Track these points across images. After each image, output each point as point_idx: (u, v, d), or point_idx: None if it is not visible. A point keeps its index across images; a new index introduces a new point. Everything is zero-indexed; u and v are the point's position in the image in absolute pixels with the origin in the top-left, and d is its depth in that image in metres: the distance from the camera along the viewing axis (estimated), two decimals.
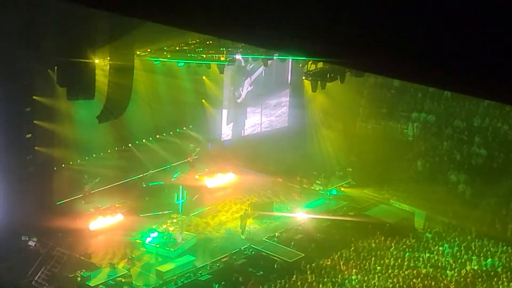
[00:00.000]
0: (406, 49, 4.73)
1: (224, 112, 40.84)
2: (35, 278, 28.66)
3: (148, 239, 31.58)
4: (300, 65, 37.61)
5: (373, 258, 30.79)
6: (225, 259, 30.44)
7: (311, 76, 33.46)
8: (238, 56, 33.62)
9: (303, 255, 30.92)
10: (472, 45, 4.51)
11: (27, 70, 30.04)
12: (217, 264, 30.15)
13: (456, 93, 34.77)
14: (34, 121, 31.02)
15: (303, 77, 35.75)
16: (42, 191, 31.56)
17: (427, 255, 31.40)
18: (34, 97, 30.72)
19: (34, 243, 30.26)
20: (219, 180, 37.72)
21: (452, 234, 33.50)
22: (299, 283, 28.61)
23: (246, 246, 31.68)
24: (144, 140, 37.15)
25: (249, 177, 37.94)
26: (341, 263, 30.28)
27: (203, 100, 40.07)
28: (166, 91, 36.98)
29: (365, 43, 4.89)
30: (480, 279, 29.28)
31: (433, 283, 28.87)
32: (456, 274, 29.68)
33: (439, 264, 30.71)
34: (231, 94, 40.78)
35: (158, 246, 31.26)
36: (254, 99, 42.01)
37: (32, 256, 29.79)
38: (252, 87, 41.48)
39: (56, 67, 25.47)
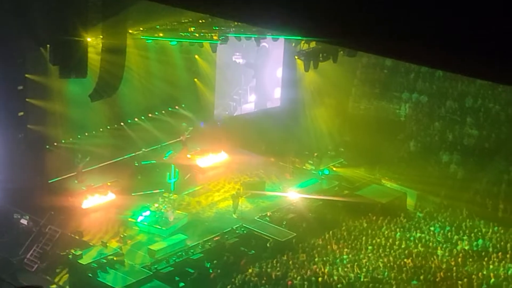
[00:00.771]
0: (400, 28, 4.73)
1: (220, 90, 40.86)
2: (27, 256, 28.73)
3: (140, 218, 31.62)
4: (293, 45, 37.52)
5: (364, 238, 30.92)
6: (217, 238, 30.50)
7: (304, 56, 33.39)
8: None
9: (295, 234, 31.02)
10: (464, 23, 4.52)
11: (20, 48, 29.92)
12: (209, 243, 30.21)
13: (448, 73, 34.84)
14: (27, 99, 30.96)
15: (296, 57, 35.68)
16: (34, 169, 31.54)
17: (418, 235, 31.54)
18: (26, 75, 30.63)
19: (26, 221, 30.29)
20: (211, 159, 37.74)
21: (443, 214, 33.63)
22: (290, 262, 28.73)
23: (238, 225, 31.74)
24: (136, 119, 37.08)
25: (242, 157, 37.96)
26: (333, 243, 30.41)
27: (195, 79, 39.98)
28: (159, 70, 36.87)
29: (358, 21, 4.88)
30: (470, 259, 29.43)
31: (424, 262, 29.03)
32: (447, 254, 29.84)
33: (430, 244, 30.84)
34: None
35: (150, 224, 31.31)
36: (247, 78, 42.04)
37: (24, 234, 29.84)
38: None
39: (48, 45, 25.34)
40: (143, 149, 36.56)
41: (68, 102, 32.32)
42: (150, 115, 37.74)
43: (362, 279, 27.64)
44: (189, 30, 32.77)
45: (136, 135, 36.68)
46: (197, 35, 32.96)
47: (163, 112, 38.46)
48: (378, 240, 30.78)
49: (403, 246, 30.30)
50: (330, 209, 33.63)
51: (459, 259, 29.33)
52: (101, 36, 24.79)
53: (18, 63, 30.23)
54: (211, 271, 28.56)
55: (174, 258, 28.92)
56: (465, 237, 31.32)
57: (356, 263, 28.76)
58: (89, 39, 24.78)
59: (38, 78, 30.65)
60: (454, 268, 28.71)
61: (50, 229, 29.55)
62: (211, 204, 34.33)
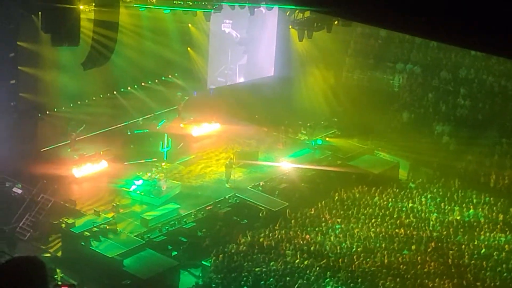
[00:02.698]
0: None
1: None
2: (20, 225, 28.72)
3: (133, 187, 31.63)
4: (287, 14, 37.34)
5: (356, 208, 31.04)
6: (209, 208, 30.56)
7: (298, 25, 33.24)
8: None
9: (287, 204, 31.09)
10: None
11: (11, 15, 29.67)
12: (202, 213, 30.28)
13: (443, 44, 34.77)
14: (18, 67, 30.77)
15: (290, 26, 35.52)
16: (27, 137, 31.45)
17: (410, 205, 31.68)
18: (18, 42, 30.41)
19: (19, 190, 30.25)
20: (204, 128, 37.70)
21: (435, 185, 33.74)
22: (283, 231, 28.83)
23: (230, 194, 31.79)
24: (129, 88, 36.94)
25: (234, 126, 37.93)
26: (325, 212, 30.51)
27: (188, 48, 39.80)
28: (152, 39, 36.66)
29: None
30: (462, 229, 29.61)
31: (415, 232, 29.17)
32: (438, 224, 29.98)
33: (422, 214, 30.97)
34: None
35: (143, 193, 31.32)
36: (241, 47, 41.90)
37: (16, 202, 29.80)
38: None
39: (40, 13, 25.13)
40: (139, 119, 36.45)
41: (60, 70, 32.15)
42: (143, 84, 37.61)
43: (354, 249, 27.78)
44: None
45: (129, 104, 36.57)
46: (190, 3, 32.75)
47: (156, 81, 38.33)
48: (370, 210, 30.91)
49: (395, 216, 30.43)
50: (323, 179, 33.71)
51: (451, 230, 29.49)
52: (94, 4, 24.58)
53: (9, 30, 29.99)
54: (203, 240, 28.66)
55: (166, 227, 29.00)
56: (456, 208, 31.46)
57: (348, 233, 28.90)
58: (81, 7, 24.59)
59: (30, 45, 30.45)
60: (446, 238, 28.88)
61: (42, 197, 29.53)
62: (204, 174, 34.36)
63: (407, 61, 39.97)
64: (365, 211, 30.79)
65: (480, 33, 4.66)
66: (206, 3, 33.03)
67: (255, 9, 34.94)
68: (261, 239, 28.22)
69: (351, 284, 25.63)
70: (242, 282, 25.79)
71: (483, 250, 28.11)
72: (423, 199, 32.28)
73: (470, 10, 4.52)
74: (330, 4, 5.24)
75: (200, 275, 27.67)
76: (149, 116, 37.35)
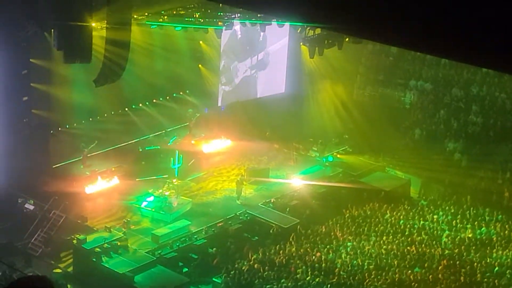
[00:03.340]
0: (405, 17, 4.70)
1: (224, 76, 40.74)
2: (32, 241, 28.79)
3: (144, 203, 31.67)
4: (298, 31, 37.42)
5: (368, 225, 30.93)
6: (220, 224, 30.54)
7: (309, 42, 33.34)
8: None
9: (298, 221, 31.03)
10: (470, 12, 4.48)
11: (24, 33, 29.86)
12: (212, 229, 30.25)
13: (454, 61, 34.72)
14: (31, 84, 30.92)
15: (301, 43, 35.58)
16: (39, 154, 31.54)
17: (422, 222, 31.53)
18: (31, 59, 30.59)
19: (31, 206, 30.35)
20: (216, 145, 37.74)
21: (447, 202, 33.59)
22: (294, 249, 28.76)
23: (241, 211, 31.77)
24: (140, 105, 37.05)
25: (246, 143, 37.94)
26: (336, 230, 30.43)
27: (200, 65, 39.91)
28: (163, 56, 36.81)
29: (362, 9, 4.85)
30: (474, 247, 29.44)
31: (427, 250, 29.03)
32: (450, 242, 29.83)
33: (434, 231, 30.84)
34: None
35: (154, 210, 31.36)
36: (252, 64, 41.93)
37: (28, 218, 29.90)
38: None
39: (53, 30, 25.31)
40: (151, 135, 36.55)
41: (72, 87, 32.31)
42: (154, 100, 37.71)
43: (365, 266, 27.67)
44: (194, 15, 32.70)
45: (141, 121, 36.67)
46: (202, 20, 32.91)
47: (168, 97, 38.43)
48: (382, 227, 30.79)
49: (406, 234, 30.31)
50: (334, 196, 33.64)
51: (463, 247, 29.34)
52: (106, 21, 24.71)
53: (22, 48, 30.17)
54: (214, 257, 28.64)
55: (177, 244, 29.00)
56: (469, 225, 31.30)
57: (359, 250, 28.79)
58: (93, 24, 24.75)
59: (42, 62, 30.61)
60: (458, 256, 28.72)
61: (54, 213, 29.61)
62: (215, 190, 34.37)
63: (419, 78, 39.90)
64: (377, 228, 30.69)
65: (491, 51, 4.67)
66: (217, 20, 33.19)
67: (266, 26, 35.09)
68: (272, 256, 28.16)
69: None
70: None
71: (496, 268, 27.94)
72: (434, 217, 32.13)
73: (481, 28, 4.53)
74: (341, 22, 5.26)
75: None
76: (160, 132, 37.45)
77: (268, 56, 42.33)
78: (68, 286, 27.12)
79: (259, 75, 42.65)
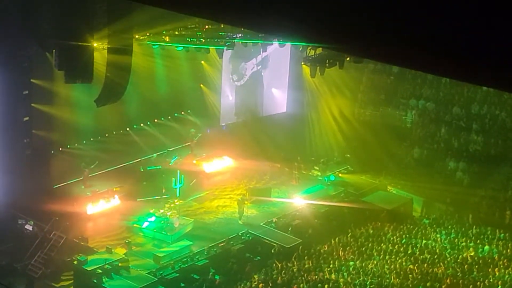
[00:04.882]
0: (406, 36, 4.68)
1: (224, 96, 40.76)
2: (32, 262, 28.66)
3: (146, 224, 31.59)
4: (300, 50, 37.50)
5: (370, 244, 30.82)
6: (222, 244, 30.43)
7: (310, 62, 33.36)
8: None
9: (301, 240, 30.93)
10: (471, 32, 4.46)
11: (25, 53, 29.93)
12: (214, 249, 30.15)
13: (454, 80, 34.75)
14: (32, 104, 30.96)
15: (302, 63, 35.66)
16: (39, 174, 31.52)
17: (424, 241, 31.42)
18: (32, 80, 30.64)
19: (31, 227, 30.26)
20: (217, 165, 37.73)
21: (449, 221, 33.55)
22: (296, 268, 28.64)
23: (243, 231, 31.68)
24: (142, 125, 37.09)
25: (247, 162, 37.93)
26: (339, 249, 30.31)
27: (201, 85, 39.98)
28: (165, 76, 36.90)
29: (363, 29, 4.83)
30: (477, 266, 29.31)
31: (430, 269, 28.91)
32: (453, 261, 29.72)
33: (436, 250, 30.72)
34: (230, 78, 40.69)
35: (155, 230, 31.27)
36: (253, 84, 41.98)
37: (28, 239, 29.80)
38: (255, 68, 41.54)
39: (54, 50, 25.36)
40: (155, 154, 36.55)
41: (73, 107, 32.35)
42: (156, 120, 37.76)
43: (368, 286, 27.54)
44: (196, 35, 32.78)
45: (142, 141, 36.69)
46: (203, 40, 32.98)
47: (169, 117, 38.48)
48: (384, 246, 30.68)
49: (409, 253, 30.20)
50: (336, 215, 33.56)
51: (465, 266, 29.21)
52: (107, 41, 24.76)
53: (23, 68, 30.24)
54: (216, 278, 28.52)
55: (179, 264, 28.88)
56: (471, 244, 31.20)
57: (362, 270, 28.66)
58: (95, 44, 24.80)
59: (43, 83, 30.67)
60: (460, 275, 28.59)
61: (54, 234, 29.51)
62: (217, 210, 34.31)
63: (420, 97, 39.94)
64: (379, 248, 30.58)
65: (492, 70, 4.64)
66: (218, 40, 33.26)
67: (268, 46, 35.19)
68: (274, 276, 28.04)
69: None
70: None
71: (499, 287, 27.81)
72: (437, 235, 32.06)
73: (482, 46, 4.50)
74: (342, 41, 5.24)
75: None
76: (162, 152, 37.44)
77: (269, 75, 42.40)
78: None
79: (261, 94, 42.66)
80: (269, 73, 42.34)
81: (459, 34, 4.52)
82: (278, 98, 42.98)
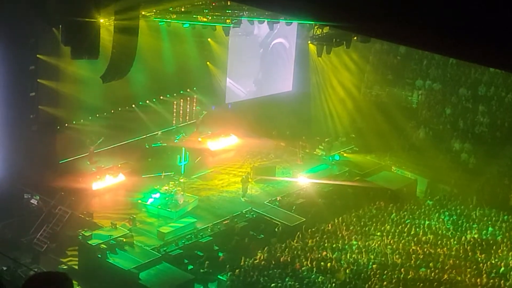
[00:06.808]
0: (412, 16, 4.69)
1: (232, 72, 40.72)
2: (37, 236, 28.78)
3: (150, 200, 31.66)
4: (306, 29, 37.41)
5: (373, 224, 30.92)
6: (226, 222, 30.53)
7: (317, 41, 33.28)
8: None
9: (304, 219, 31.02)
10: (476, 13, 4.47)
11: (32, 28, 29.89)
12: (218, 227, 30.24)
13: (461, 61, 34.68)
14: (38, 80, 30.94)
15: (309, 42, 35.56)
16: (45, 149, 31.56)
17: (428, 222, 31.50)
18: (38, 55, 30.58)
19: (37, 201, 30.37)
20: (222, 143, 37.78)
21: (453, 202, 33.59)
22: (299, 247, 28.74)
23: (247, 209, 31.76)
24: (147, 101, 37.06)
25: (252, 141, 37.97)
26: (342, 228, 30.40)
27: (208, 63, 39.91)
28: (171, 53, 36.81)
29: (370, 8, 4.83)
30: (480, 248, 29.39)
31: (432, 250, 29.00)
32: (456, 242, 29.79)
33: (440, 231, 30.80)
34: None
35: (159, 207, 31.34)
36: (260, 62, 41.93)
37: (34, 214, 29.91)
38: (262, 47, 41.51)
39: (61, 26, 25.30)
40: (158, 132, 36.58)
41: (79, 83, 32.29)
42: (161, 97, 37.73)
43: (370, 265, 27.64)
44: (202, 12, 32.67)
45: (147, 118, 36.69)
46: (210, 18, 32.88)
47: (175, 94, 38.45)
48: (388, 226, 30.76)
49: (412, 233, 30.28)
50: (340, 195, 33.62)
51: (468, 247, 29.28)
52: (114, 18, 24.70)
53: (30, 44, 30.19)
54: (220, 254, 28.66)
55: (183, 241, 28.99)
56: (474, 226, 31.28)
57: (364, 249, 28.75)
58: (101, 20, 24.74)
59: (50, 59, 30.61)
60: (463, 256, 28.68)
61: (60, 209, 29.59)
62: (221, 188, 34.38)
63: (426, 77, 39.87)
64: (382, 228, 30.66)
65: (499, 51, 4.65)
66: (225, 17, 33.15)
67: (274, 24, 35.07)
68: (277, 254, 28.15)
69: None
70: None
71: (502, 268, 27.88)
72: (441, 217, 32.12)
73: (490, 28, 4.51)
74: (349, 20, 5.25)
75: None
76: (167, 129, 37.47)
77: (275, 54, 42.30)
78: (74, 282, 27.08)
79: (267, 73, 42.59)
80: (275, 51, 42.23)
81: (466, 15, 4.53)
82: (284, 77, 42.90)
